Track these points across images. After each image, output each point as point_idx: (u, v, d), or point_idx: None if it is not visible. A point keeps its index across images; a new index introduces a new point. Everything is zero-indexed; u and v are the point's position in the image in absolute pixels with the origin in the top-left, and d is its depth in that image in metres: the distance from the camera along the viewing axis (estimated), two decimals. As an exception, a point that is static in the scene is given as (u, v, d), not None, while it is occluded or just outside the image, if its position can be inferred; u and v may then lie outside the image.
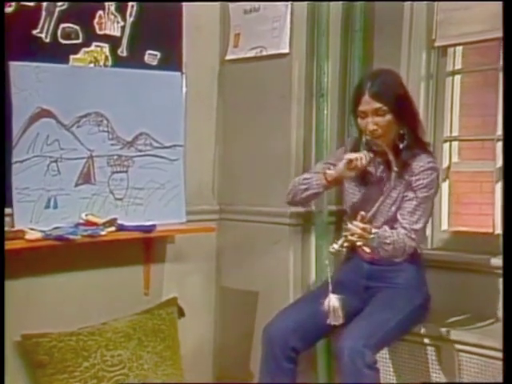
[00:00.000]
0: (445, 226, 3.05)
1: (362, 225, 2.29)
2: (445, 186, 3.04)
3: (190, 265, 3.22)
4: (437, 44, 2.97)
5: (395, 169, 2.41)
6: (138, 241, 2.96)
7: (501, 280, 2.63)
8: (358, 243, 2.31)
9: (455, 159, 3.06)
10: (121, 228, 2.80)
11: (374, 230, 2.32)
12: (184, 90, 3.08)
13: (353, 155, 2.45)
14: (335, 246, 2.30)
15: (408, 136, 2.47)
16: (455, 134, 3.06)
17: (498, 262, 2.69)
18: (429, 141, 2.74)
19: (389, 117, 2.43)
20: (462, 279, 2.82)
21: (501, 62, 2.87)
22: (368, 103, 2.43)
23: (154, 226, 2.88)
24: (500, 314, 2.62)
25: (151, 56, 3.00)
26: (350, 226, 2.30)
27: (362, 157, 2.43)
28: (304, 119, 3.08)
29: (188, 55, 3.10)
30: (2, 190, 2.61)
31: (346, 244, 2.31)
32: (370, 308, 2.48)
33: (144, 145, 2.95)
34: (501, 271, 2.60)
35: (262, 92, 3.15)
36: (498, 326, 2.53)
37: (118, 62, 2.90)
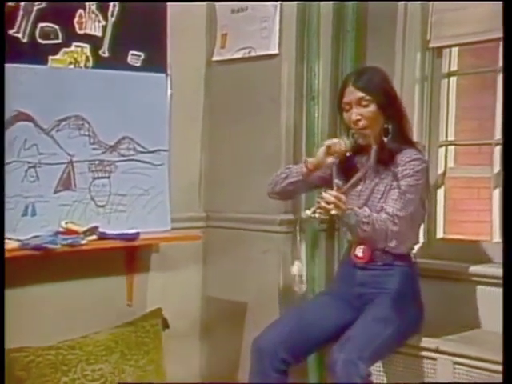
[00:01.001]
0: (440, 234, 3.04)
1: (335, 193, 2.34)
2: (440, 193, 3.04)
3: (176, 274, 3.22)
4: (431, 45, 2.97)
5: (375, 147, 2.45)
6: (121, 250, 2.95)
7: (500, 290, 2.56)
8: (333, 212, 2.33)
9: (451, 164, 3.06)
10: (103, 236, 2.79)
11: (350, 207, 2.36)
12: (169, 92, 3.08)
13: (331, 141, 2.55)
14: (308, 212, 2.36)
15: (393, 130, 2.51)
16: (451, 138, 3.06)
17: (496, 271, 2.67)
18: (422, 143, 2.75)
19: (373, 107, 2.49)
20: (458, 289, 2.81)
21: (498, 64, 2.89)
22: (351, 93, 2.50)
23: (137, 234, 2.88)
24: (499, 326, 2.60)
25: (134, 57, 3.00)
26: (324, 194, 2.35)
27: (340, 142, 2.52)
28: (294, 123, 3.08)
29: (173, 56, 3.09)
30: (2, 191, 2.61)
31: (318, 211, 2.35)
32: (363, 319, 2.48)
33: (127, 149, 2.94)
34: (500, 281, 2.61)
35: (251, 94, 3.15)
36: (498, 339, 2.52)
37: (100, 62, 2.89)
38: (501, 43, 2.85)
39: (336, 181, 2.42)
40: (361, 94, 2.48)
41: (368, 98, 2.48)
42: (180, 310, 3.21)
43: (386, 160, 2.50)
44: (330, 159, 2.53)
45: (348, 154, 2.52)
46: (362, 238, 2.46)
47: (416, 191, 2.47)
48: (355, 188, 2.55)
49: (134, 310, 3.06)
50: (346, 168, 2.57)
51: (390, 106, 2.51)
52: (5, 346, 2.47)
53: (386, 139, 2.50)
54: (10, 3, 2.64)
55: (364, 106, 2.48)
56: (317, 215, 2.37)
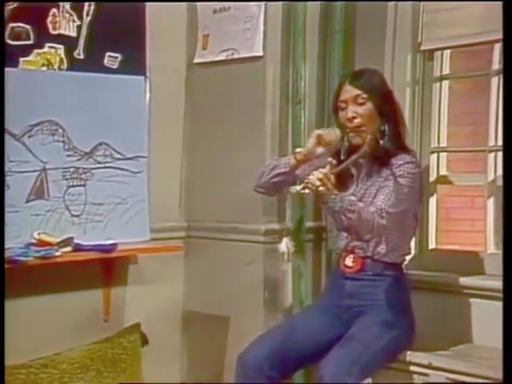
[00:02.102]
0: (432, 244, 3.05)
1: (324, 170, 2.35)
2: (432, 201, 3.04)
3: (155, 287, 3.20)
4: (423, 47, 2.98)
5: (370, 136, 2.47)
6: (97, 262, 2.94)
7: (496, 303, 2.61)
8: (320, 189, 2.34)
9: (443, 172, 3.06)
10: (78, 248, 2.77)
11: (336, 192, 2.37)
12: (148, 95, 3.07)
13: (322, 130, 2.58)
14: (297, 187, 2.39)
15: (389, 133, 2.52)
16: (443, 144, 3.07)
17: (491, 283, 2.69)
18: (415, 150, 2.76)
19: (369, 106, 2.51)
20: (451, 302, 2.82)
21: (492, 67, 2.90)
22: (348, 91, 2.53)
23: (114, 245, 2.86)
24: (494, 340, 2.59)
25: (111, 58, 2.99)
26: (314, 172, 2.37)
27: (331, 131, 2.55)
28: (279, 128, 3.08)
29: (152, 58, 3.09)
30: (2, 192, 2.64)
31: (307, 187, 2.37)
32: (352, 333, 2.48)
33: (104, 156, 2.93)
34: (494, 294, 2.64)
35: (234, 98, 3.14)
36: (492, 354, 2.54)
37: (75, 64, 2.88)
38: (495, 46, 2.89)
39: (330, 159, 2.42)
40: (357, 92, 2.51)
41: (364, 95, 2.50)
42: (159, 325, 3.19)
43: (380, 162, 2.52)
44: (320, 149, 2.54)
45: (343, 157, 2.51)
46: (345, 227, 2.46)
47: (408, 192, 2.48)
48: (346, 188, 2.56)
49: (111, 326, 3.04)
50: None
51: (386, 106, 2.53)
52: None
53: (382, 141, 2.52)
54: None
55: (360, 103, 2.51)
56: (306, 191, 2.37)
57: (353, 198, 2.46)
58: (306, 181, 2.35)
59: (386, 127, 2.52)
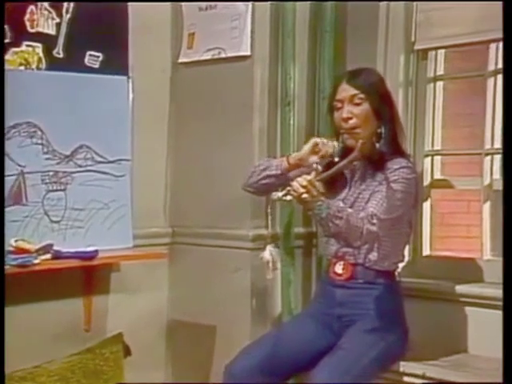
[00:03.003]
0: (427, 251, 3.05)
1: (309, 177, 2.34)
2: (426, 206, 3.04)
3: (138, 296, 3.19)
4: (416, 47, 2.99)
5: (361, 141, 2.46)
6: (78, 270, 2.92)
7: (493, 312, 2.63)
8: (304, 196, 2.32)
9: (438, 175, 3.07)
10: (57, 255, 2.75)
11: (323, 198, 2.36)
12: (131, 96, 3.06)
13: (320, 139, 2.56)
14: (279, 194, 2.37)
15: (386, 136, 2.52)
16: (437, 147, 3.07)
17: (487, 291, 2.70)
18: (408, 152, 2.75)
19: (366, 107, 2.50)
20: (446, 311, 2.82)
21: (488, 68, 2.91)
22: (344, 90, 2.53)
23: (96, 252, 2.85)
24: (490, 350, 2.60)
25: (92, 58, 2.98)
26: (298, 178, 2.36)
27: (329, 143, 2.53)
28: (267, 130, 3.08)
29: (135, 57, 3.09)
30: (2, 193, 2.64)
31: (290, 194, 2.36)
32: (343, 342, 2.48)
33: (84, 159, 2.92)
34: (492, 302, 2.64)
35: (220, 99, 3.14)
36: (488, 364, 2.54)
37: (54, 64, 2.87)
38: (490, 46, 2.90)
39: (315, 165, 2.43)
40: (354, 92, 2.50)
41: (361, 96, 2.50)
42: (143, 335, 3.18)
43: (375, 165, 2.52)
44: (314, 159, 2.53)
45: (336, 159, 2.51)
46: (333, 235, 2.45)
47: (403, 198, 2.47)
48: (338, 192, 2.56)
49: (92, 336, 3.03)
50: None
51: (384, 108, 2.53)
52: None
53: (378, 144, 2.51)
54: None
55: (356, 104, 2.50)
56: (288, 198, 2.36)
57: (341, 203, 2.45)
58: (288, 188, 2.34)
59: (383, 130, 2.52)
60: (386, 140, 2.52)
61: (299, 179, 2.33)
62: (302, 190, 2.31)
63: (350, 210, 2.42)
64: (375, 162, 2.52)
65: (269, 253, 2.61)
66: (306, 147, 2.55)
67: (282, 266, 3.04)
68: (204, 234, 3.17)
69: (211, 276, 3.16)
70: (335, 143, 2.53)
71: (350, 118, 2.50)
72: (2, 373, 2.44)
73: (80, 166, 2.91)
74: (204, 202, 3.20)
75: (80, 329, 3.01)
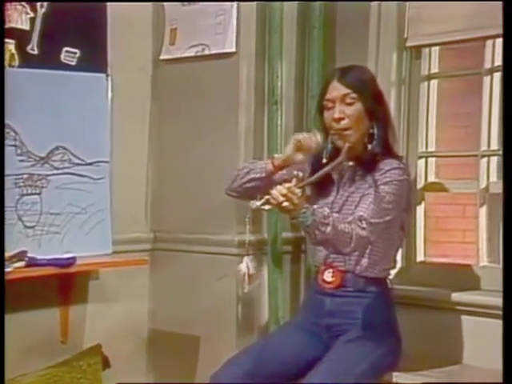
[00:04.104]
0: (421, 257, 3.05)
1: (288, 184, 2.32)
2: (420, 210, 3.04)
3: (118, 305, 3.18)
4: (409, 44, 2.99)
5: (347, 144, 2.46)
6: (54, 278, 2.91)
7: (489, 320, 2.64)
8: (284, 204, 2.31)
9: (432, 178, 3.07)
10: (32, 263, 2.74)
11: (307, 205, 2.34)
12: (109, 94, 3.06)
13: (301, 135, 2.56)
14: (257, 203, 2.35)
15: (378, 137, 2.52)
16: (432, 148, 3.07)
17: (483, 299, 2.70)
18: (401, 154, 2.75)
19: (358, 107, 2.50)
20: (441, 319, 2.82)
21: (484, 66, 2.91)
22: (336, 89, 2.51)
23: (73, 259, 2.83)
24: (486, 360, 2.60)
25: (69, 54, 2.97)
26: (278, 186, 2.34)
27: (311, 136, 2.53)
28: (254, 130, 3.08)
29: (114, 53, 3.08)
30: (2, 195, 2.67)
31: (269, 203, 2.34)
32: (332, 353, 2.47)
33: (61, 161, 2.91)
34: (488, 310, 2.64)
35: (204, 98, 3.14)
36: (484, 375, 2.54)
37: (28, 61, 2.85)
38: (487, 43, 2.90)
39: (296, 172, 2.41)
40: (346, 91, 2.49)
41: (354, 95, 2.49)
42: (122, 347, 3.18)
43: (365, 167, 2.51)
44: (300, 156, 2.53)
45: (324, 160, 2.50)
46: (320, 242, 2.44)
47: (394, 201, 2.46)
48: (333, 200, 2.55)
49: (69, 348, 3.01)
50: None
51: (376, 108, 2.52)
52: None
53: (370, 146, 2.51)
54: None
55: (348, 104, 2.49)
56: (266, 207, 2.35)
57: (326, 209, 2.42)
58: (266, 196, 2.32)
59: (375, 130, 2.51)
60: (378, 141, 2.52)
61: (279, 187, 2.31)
62: (281, 199, 2.29)
63: (336, 215, 2.41)
64: (365, 164, 2.52)
65: (245, 265, 2.61)
66: (289, 146, 2.54)
67: (269, 272, 3.06)
68: (187, 239, 3.16)
69: (195, 284, 3.15)
70: (318, 136, 2.53)
71: (342, 119, 2.49)
72: (1, 378, 2.44)
73: (56, 169, 2.90)
74: (187, 205, 3.19)
75: (56, 340, 3.00)
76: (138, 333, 3.26)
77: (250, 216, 2.64)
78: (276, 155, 2.63)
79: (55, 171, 2.90)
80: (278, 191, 2.30)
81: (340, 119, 2.49)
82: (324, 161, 2.50)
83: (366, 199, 2.46)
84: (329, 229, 2.33)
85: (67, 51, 2.96)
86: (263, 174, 2.57)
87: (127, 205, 3.19)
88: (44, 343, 2.95)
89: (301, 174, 2.39)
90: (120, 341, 3.17)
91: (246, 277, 2.58)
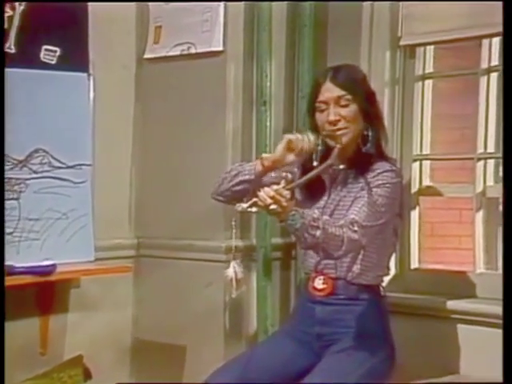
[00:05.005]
0: (415, 264, 3.04)
1: (276, 186, 2.31)
2: (414, 215, 3.04)
3: (100, 314, 3.18)
4: (402, 42, 2.99)
5: (338, 145, 2.45)
6: (33, 286, 2.89)
7: (486, 329, 2.65)
8: (272, 207, 2.29)
9: (427, 182, 3.07)
10: (10, 271, 2.71)
11: (296, 208, 2.33)
12: (91, 95, 3.05)
13: (293, 135, 2.55)
14: (244, 205, 2.35)
15: (372, 138, 2.52)
16: (426, 151, 3.07)
17: (480, 307, 2.70)
18: (395, 158, 2.76)
19: (353, 108, 2.49)
20: (436, 328, 2.82)
21: (481, 66, 2.91)
22: (329, 90, 2.50)
23: (53, 266, 2.83)
24: (483, 370, 2.60)
25: (49, 53, 2.95)
26: (265, 188, 2.34)
27: (304, 137, 2.51)
28: (242, 132, 3.08)
29: (96, 52, 3.07)
30: (2, 196, 2.69)
31: (256, 205, 2.33)
32: (323, 363, 2.46)
33: (40, 164, 2.90)
34: (485, 319, 2.65)
35: (190, 98, 3.14)
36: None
37: (6, 59, 2.80)
38: (483, 42, 2.90)
39: (284, 173, 2.42)
40: (341, 92, 2.48)
41: (348, 97, 2.48)
42: (105, 357, 3.17)
43: (358, 169, 2.51)
44: (291, 157, 2.52)
45: (315, 163, 2.49)
46: (310, 247, 2.42)
47: (387, 204, 2.45)
48: (317, 200, 2.56)
49: (49, 359, 3.00)
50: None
51: (370, 109, 2.53)
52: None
53: (364, 148, 2.50)
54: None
55: (343, 105, 2.49)
56: (253, 209, 2.34)
57: (316, 212, 2.42)
58: (254, 198, 2.30)
59: (370, 132, 2.52)
60: (372, 142, 2.52)
61: (266, 189, 2.30)
62: (269, 201, 2.28)
63: (326, 218, 2.40)
64: (358, 166, 2.51)
65: (232, 269, 2.61)
66: (280, 146, 2.53)
67: (258, 280, 3.05)
68: (173, 245, 3.16)
69: (180, 292, 3.15)
70: (310, 136, 2.51)
71: (339, 121, 2.48)
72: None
73: (35, 172, 2.89)
74: (173, 210, 3.19)
75: (35, 352, 2.99)
76: (121, 343, 3.26)
77: (237, 219, 2.63)
78: (265, 155, 2.61)
79: (34, 175, 2.88)
80: (265, 193, 2.28)
81: (336, 121, 2.48)
82: (315, 164, 2.50)
83: (357, 202, 2.45)
84: (319, 232, 2.32)
85: (47, 49, 2.94)
86: (252, 176, 2.56)
87: (110, 210, 3.18)
88: (23, 355, 2.93)
89: (289, 176, 2.40)
90: (102, 351, 3.16)
91: (234, 282, 2.58)
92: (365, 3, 3.03)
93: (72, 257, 2.95)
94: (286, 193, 2.30)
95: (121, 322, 3.26)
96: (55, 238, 2.93)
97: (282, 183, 2.33)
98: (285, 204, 2.29)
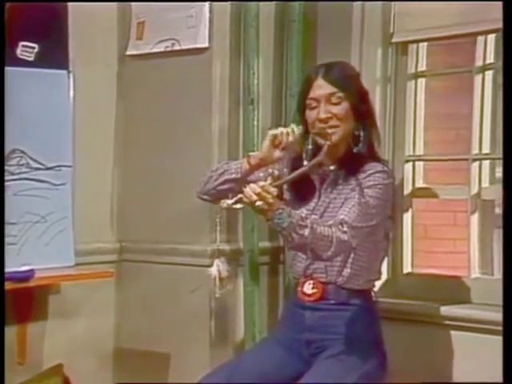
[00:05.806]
0: (408, 268, 3.05)
1: (263, 183, 2.32)
2: (407, 217, 3.05)
3: (81, 321, 3.17)
4: (395, 39, 3.00)
5: (328, 142, 2.46)
6: (11, 293, 2.83)
7: (480, 336, 2.65)
8: (258, 203, 2.30)
9: (420, 183, 3.07)
10: (-14, 276, 2.68)
11: (283, 206, 2.33)
12: (71, 93, 3.04)
13: (277, 130, 2.56)
14: (229, 201, 2.36)
15: (364, 139, 2.52)
16: (419, 152, 3.07)
17: (475, 312, 2.70)
18: (386, 159, 2.76)
19: (345, 106, 2.49)
20: (429, 334, 2.82)
21: (475, 63, 2.92)
22: (320, 87, 2.51)
23: (31, 272, 2.81)
24: (478, 377, 2.59)
25: (26, 49, 2.94)
26: (251, 184, 2.34)
27: (288, 131, 2.52)
28: (228, 132, 3.08)
29: (76, 48, 3.06)
30: (2, 196, 2.71)
31: (241, 202, 2.34)
32: (313, 371, 2.46)
33: (18, 165, 2.90)
34: (480, 325, 2.65)
35: (175, 97, 3.14)
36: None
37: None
38: (478, 39, 2.90)
39: (271, 170, 2.43)
40: (332, 90, 2.49)
41: (340, 94, 2.48)
42: (87, 366, 3.16)
43: (348, 171, 2.51)
44: (277, 153, 2.52)
45: (305, 162, 2.48)
46: (298, 247, 2.42)
47: (378, 205, 2.45)
48: (306, 202, 2.55)
49: (27, 369, 2.99)
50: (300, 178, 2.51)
51: (362, 107, 2.53)
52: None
53: (355, 148, 2.50)
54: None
55: (334, 103, 2.49)
56: (239, 206, 2.35)
57: (304, 211, 2.43)
58: (239, 195, 2.30)
59: (362, 132, 2.52)
60: (364, 142, 2.52)
61: (252, 185, 2.30)
62: (255, 198, 2.28)
63: (315, 217, 2.41)
64: (349, 167, 2.51)
65: (216, 268, 2.62)
66: (266, 143, 2.54)
67: (245, 285, 3.05)
68: (156, 249, 3.16)
69: (164, 297, 3.15)
70: (295, 128, 2.52)
71: (330, 118, 2.49)
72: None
73: (13, 174, 2.88)
74: (156, 213, 3.19)
75: (13, 361, 2.97)
76: (102, 351, 3.25)
77: (222, 216, 2.62)
78: (252, 153, 2.62)
79: (11, 176, 2.87)
80: (251, 189, 2.28)
81: (327, 119, 2.48)
82: (304, 162, 2.50)
83: (348, 203, 2.45)
84: (307, 231, 2.31)
85: (24, 46, 2.94)
86: (238, 175, 2.56)
87: (91, 213, 3.17)
88: (-1, 364, 2.91)
89: (276, 172, 2.40)
90: (83, 360, 3.15)
91: (217, 281, 2.57)
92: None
93: (51, 262, 2.94)
94: (273, 190, 2.30)
95: (102, 328, 3.25)
96: (33, 242, 2.92)
97: (269, 180, 2.34)
98: (271, 201, 2.29)
